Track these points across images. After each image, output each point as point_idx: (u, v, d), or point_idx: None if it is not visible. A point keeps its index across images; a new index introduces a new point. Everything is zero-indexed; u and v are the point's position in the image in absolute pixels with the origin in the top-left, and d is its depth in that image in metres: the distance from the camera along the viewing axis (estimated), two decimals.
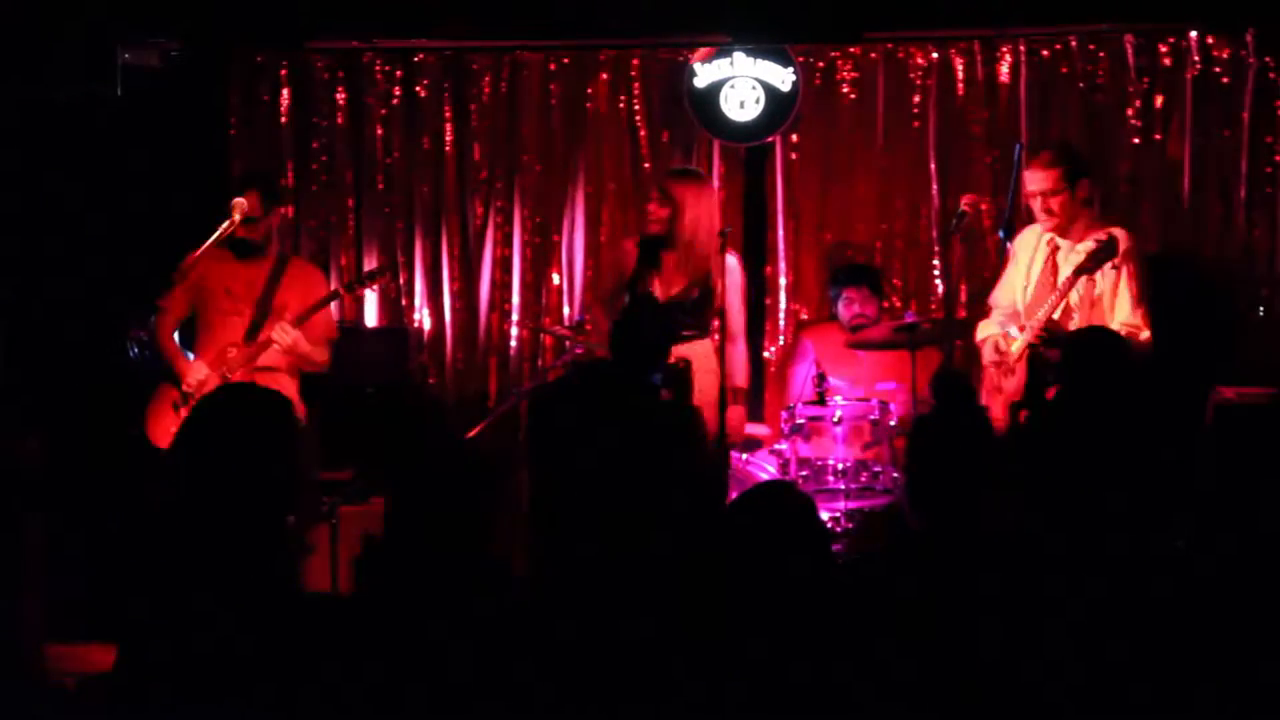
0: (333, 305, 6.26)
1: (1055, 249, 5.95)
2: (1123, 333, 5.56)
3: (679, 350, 5.83)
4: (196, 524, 3.21)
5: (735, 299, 6.43)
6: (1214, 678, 3.51)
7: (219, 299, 5.99)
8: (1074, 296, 5.80)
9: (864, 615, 3.37)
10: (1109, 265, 5.67)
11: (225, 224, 5.78)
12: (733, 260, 6.50)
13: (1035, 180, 5.93)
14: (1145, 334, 5.81)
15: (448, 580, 3.16)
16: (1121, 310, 5.79)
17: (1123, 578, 3.63)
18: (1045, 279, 5.90)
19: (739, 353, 6.47)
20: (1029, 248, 6.07)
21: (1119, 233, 5.82)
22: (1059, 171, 5.89)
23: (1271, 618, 3.63)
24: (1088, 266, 5.67)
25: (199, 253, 5.77)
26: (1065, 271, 5.81)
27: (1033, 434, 4.22)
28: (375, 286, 6.71)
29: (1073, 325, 5.74)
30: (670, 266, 6.37)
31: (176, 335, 6.07)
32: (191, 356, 6.01)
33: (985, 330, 6.13)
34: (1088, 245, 5.74)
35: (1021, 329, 5.93)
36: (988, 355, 6.05)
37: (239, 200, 5.83)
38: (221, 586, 3.15)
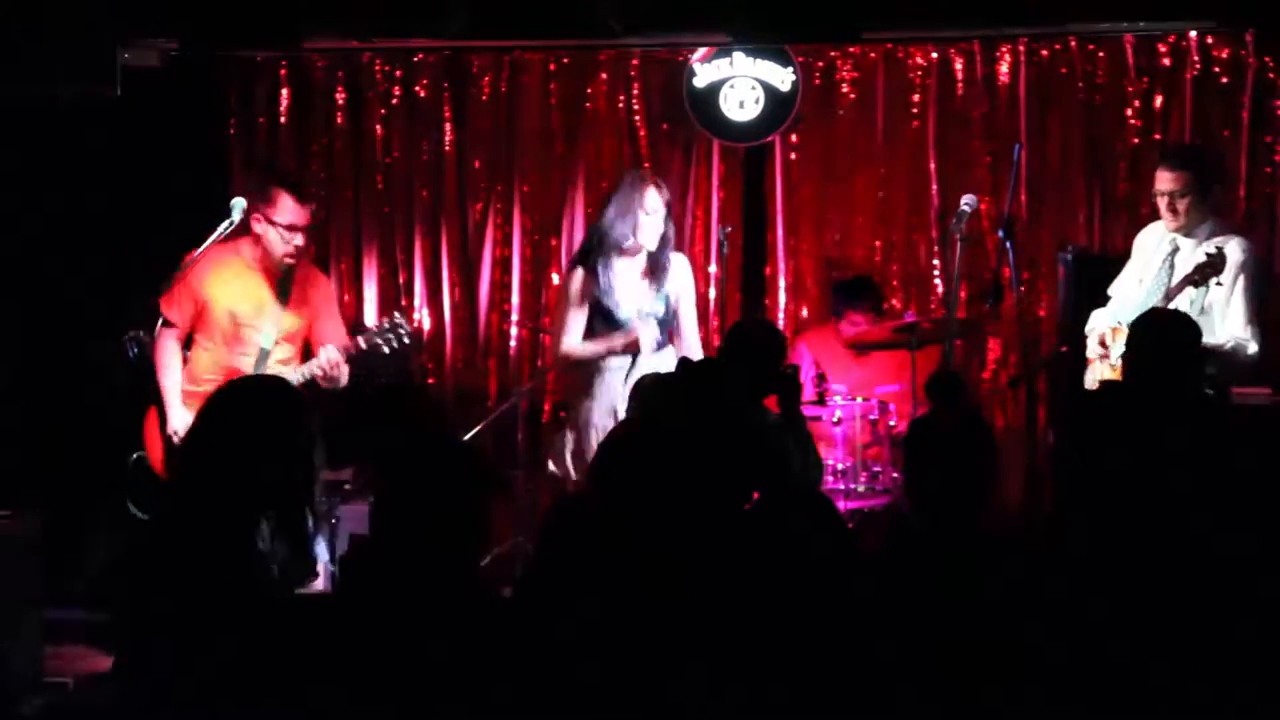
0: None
1: (1175, 250, 5.87)
2: (1228, 345, 5.54)
3: (650, 363, 5.84)
4: (201, 522, 3.21)
5: (689, 303, 6.10)
6: (1217, 676, 3.51)
7: (223, 318, 5.72)
8: (1185, 303, 5.66)
9: (864, 614, 3.38)
10: (1214, 281, 5.59)
11: (225, 224, 5.72)
12: (681, 258, 6.13)
13: (1164, 180, 5.85)
14: (1253, 348, 5.68)
15: (432, 581, 3.15)
16: (1233, 323, 5.68)
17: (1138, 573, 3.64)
18: (1161, 279, 5.85)
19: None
20: (1151, 244, 6.00)
21: (1237, 244, 5.72)
22: (1189, 175, 5.80)
23: (1272, 616, 3.63)
24: (1194, 279, 5.56)
25: (199, 252, 5.70)
26: (1179, 276, 5.73)
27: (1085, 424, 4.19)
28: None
29: None
30: (636, 279, 5.99)
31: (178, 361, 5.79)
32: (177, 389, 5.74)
33: (1096, 319, 6.06)
34: (1199, 257, 5.63)
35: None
36: (1092, 348, 6.00)
37: (238, 201, 5.77)
38: (219, 587, 3.15)
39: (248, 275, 5.76)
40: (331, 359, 5.65)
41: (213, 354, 5.76)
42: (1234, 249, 5.69)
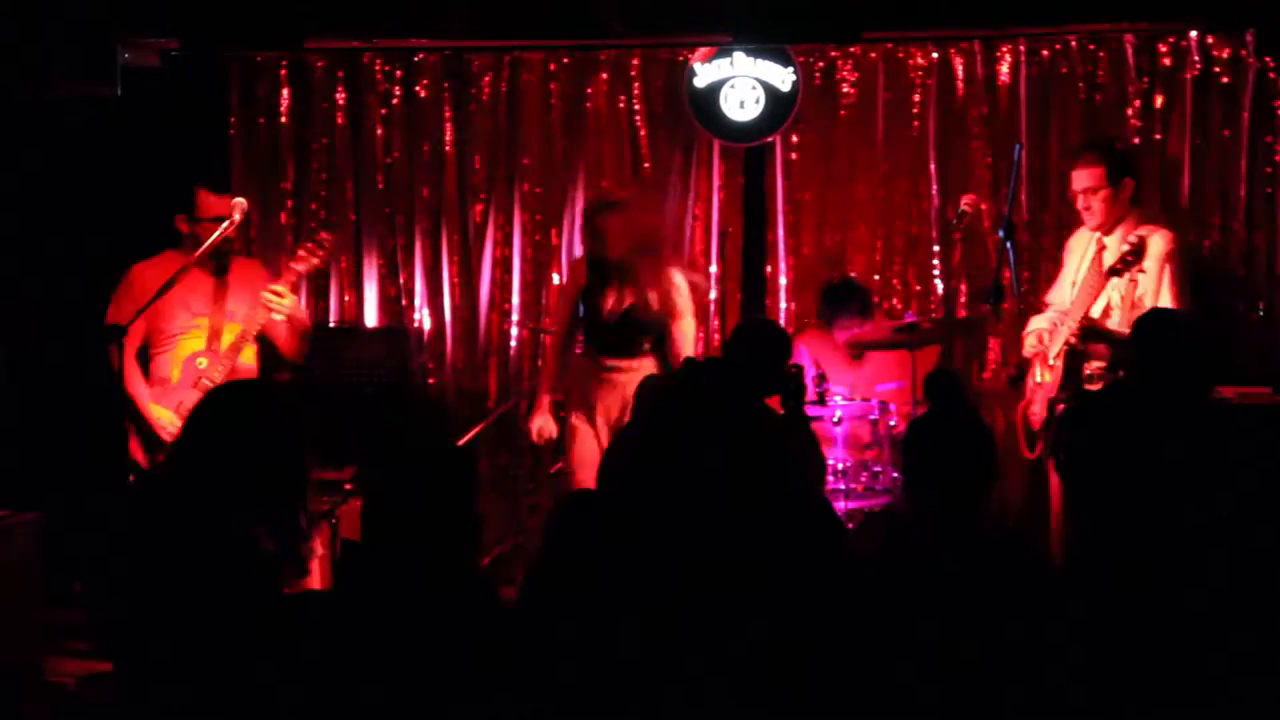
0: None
1: (1102, 248, 5.94)
2: None
3: (630, 366, 5.91)
4: (195, 523, 3.21)
5: (681, 313, 6.10)
6: (1218, 676, 3.51)
7: (178, 316, 5.80)
8: (1115, 296, 5.81)
9: (865, 614, 3.38)
10: (1138, 268, 5.66)
11: (225, 223, 5.72)
12: (676, 275, 6.14)
13: (1078, 178, 5.95)
14: None
15: (428, 582, 3.15)
16: None
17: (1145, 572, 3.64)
18: (1090, 278, 5.91)
19: None
20: (1080, 247, 6.08)
21: (1162, 234, 5.80)
22: (1101, 170, 5.89)
23: (1272, 617, 3.63)
24: (1117, 269, 5.67)
25: (194, 258, 5.69)
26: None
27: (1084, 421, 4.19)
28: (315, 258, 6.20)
29: (1111, 324, 5.77)
30: (618, 283, 6.07)
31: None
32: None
33: (1034, 324, 6.14)
34: (1123, 247, 5.74)
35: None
36: (1029, 347, 6.07)
37: (238, 201, 5.77)
38: (222, 587, 3.15)
39: (191, 272, 5.73)
40: (274, 290, 5.73)
41: (173, 351, 5.83)
42: (1158, 240, 5.78)
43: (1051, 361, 5.87)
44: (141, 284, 5.73)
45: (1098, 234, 5.96)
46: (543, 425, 6.18)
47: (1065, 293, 6.08)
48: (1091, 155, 5.97)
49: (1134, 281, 5.75)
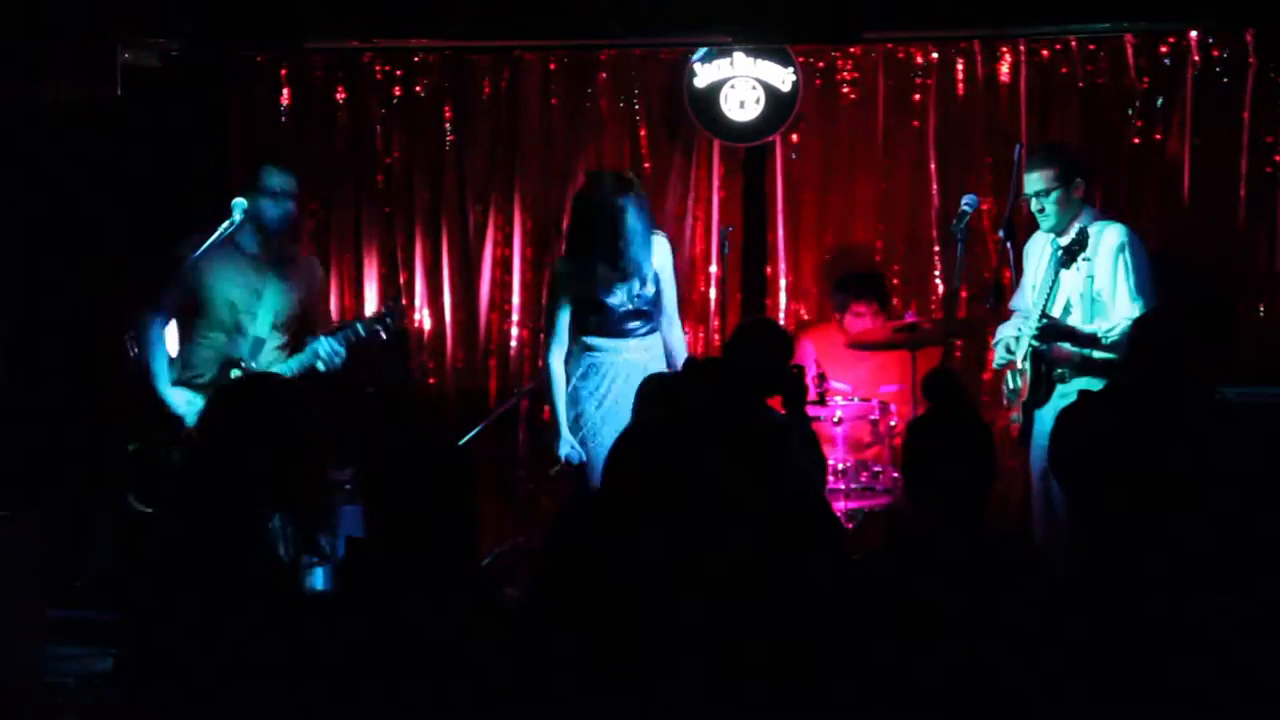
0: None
1: (1058, 250, 5.95)
2: (1121, 326, 5.59)
3: (642, 345, 5.87)
4: (209, 519, 3.22)
5: (669, 279, 5.98)
6: (1217, 678, 3.51)
7: (220, 310, 5.84)
8: (1074, 294, 5.82)
9: (866, 614, 3.38)
10: (1083, 257, 5.69)
11: (226, 224, 5.75)
12: (660, 239, 5.98)
13: (1030, 181, 5.96)
14: None
15: (424, 581, 3.15)
16: (1121, 305, 5.78)
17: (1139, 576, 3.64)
18: (1047, 280, 5.93)
19: (679, 336, 6.04)
20: (1037, 251, 6.09)
21: (1114, 228, 5.84)
22: (1051, 171, 5.90)
23: (1272, 617, 3.63)
24: (1064, 261, 5.72)
25: (198, 254, 5.71)
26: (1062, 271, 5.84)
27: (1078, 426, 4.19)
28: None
29: (1071, 320, 5.79)
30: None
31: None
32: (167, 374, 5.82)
33: (1002, 332, 6.15)
34: (1067, 240, 5.78)
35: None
36: (999, 357, 6.08)
37: (238, 200, 5.80)
38: (227, 584, 3.16)
39: (244, 265, 5.84)
40: (332, 348, 5.76)
41: (212, 344, 5.84)
42: (1111, 233, 5.83)
43: (1020, 367, 5.89)
44: (186, 270, 5.74)
45: (1052, 235, 5.98)
46: (570, 452, 5.95)
47: (1028, 298, 6.10)
48: (1041, 157, 5.99)
49: (1092, 277, 5.77)
